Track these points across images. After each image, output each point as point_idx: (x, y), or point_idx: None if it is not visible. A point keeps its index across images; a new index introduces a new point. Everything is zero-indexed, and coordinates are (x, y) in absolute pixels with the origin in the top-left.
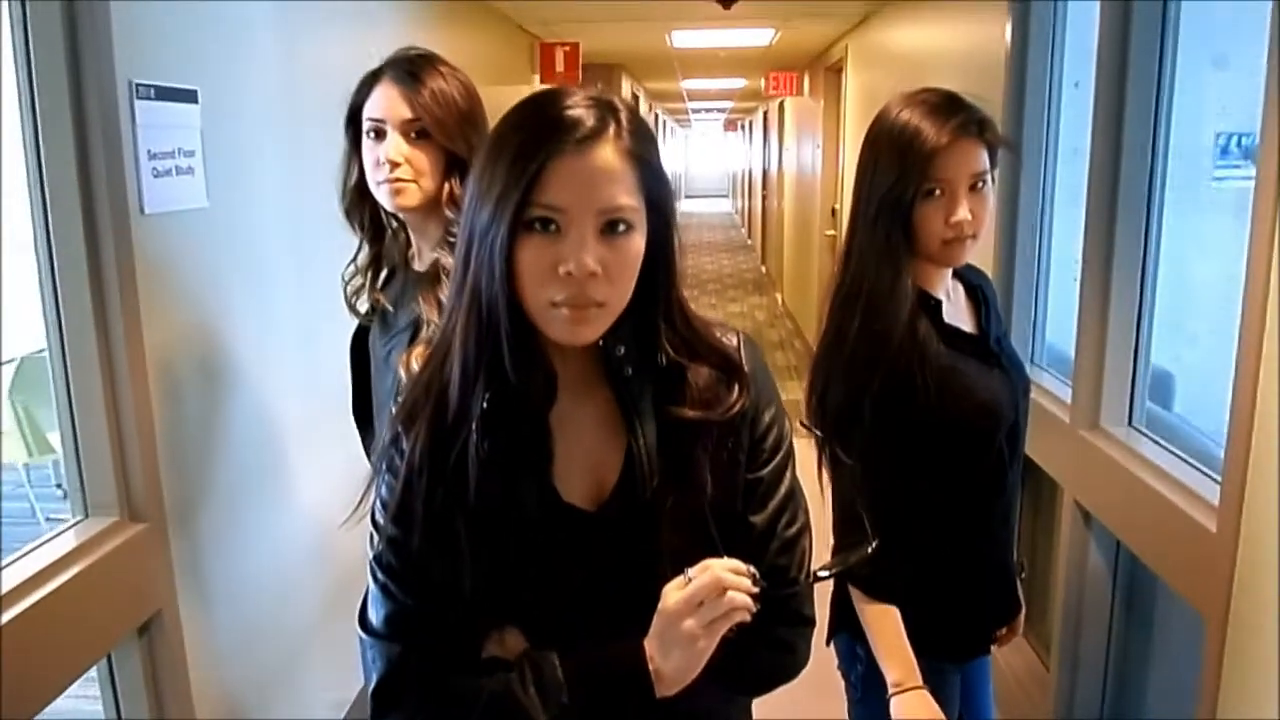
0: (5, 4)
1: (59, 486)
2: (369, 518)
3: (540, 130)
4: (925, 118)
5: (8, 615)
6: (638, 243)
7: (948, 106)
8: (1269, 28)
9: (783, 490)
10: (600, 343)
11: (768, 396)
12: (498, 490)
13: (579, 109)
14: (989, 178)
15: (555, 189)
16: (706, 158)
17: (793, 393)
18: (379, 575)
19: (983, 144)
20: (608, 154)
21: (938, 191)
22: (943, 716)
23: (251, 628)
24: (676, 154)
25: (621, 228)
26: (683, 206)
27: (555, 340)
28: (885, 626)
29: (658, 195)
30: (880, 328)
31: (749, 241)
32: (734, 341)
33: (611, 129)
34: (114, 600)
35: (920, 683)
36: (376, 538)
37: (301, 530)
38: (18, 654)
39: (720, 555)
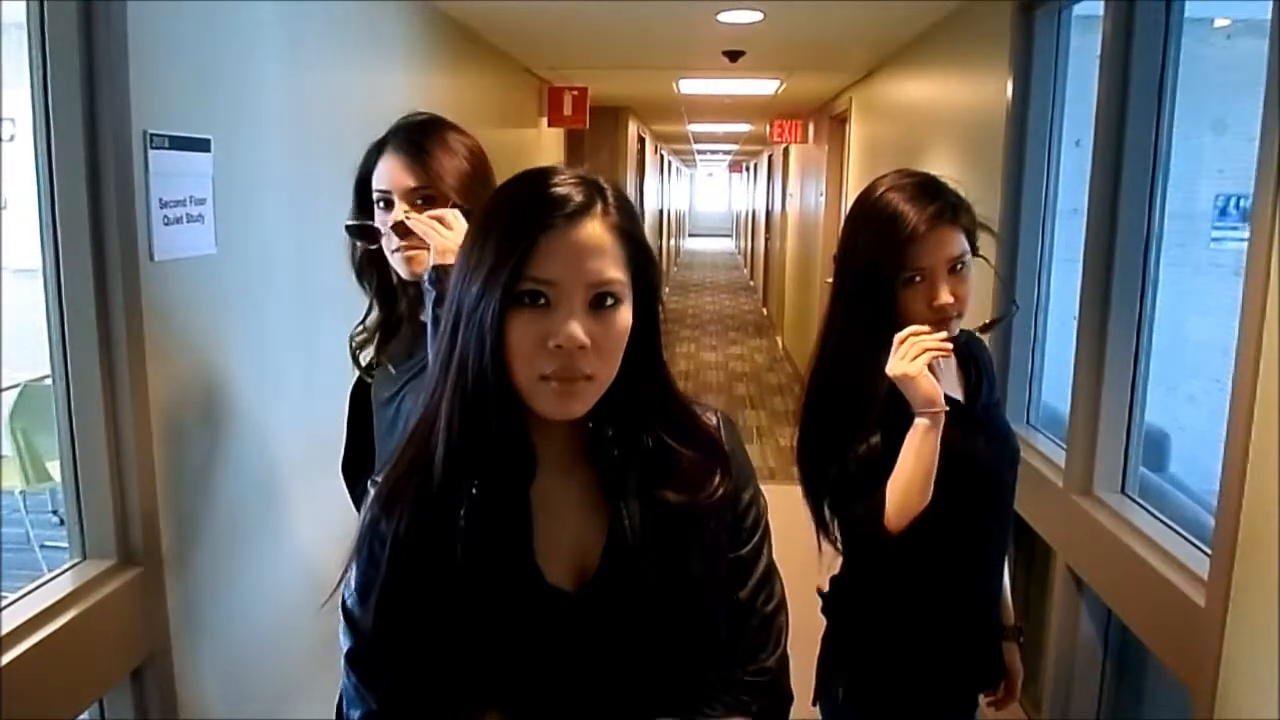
0: (27, 54)
1: (55, 513)
2: (340, 608)
3: (529, 207)
4: (904, 203)
5: (3, 660)
6: (625, 316)
7: (925, 193)
8: (1265, 91)
9: (761, 568)
10: (589, 424)
11: (746, 476)
12: (480, 571)
13: (566, 186)
14: (967, 259)
15: (545, 263)
16: (711, 198)
17: (790, 438)
18: (355, 672)
19: (959, 228)
20: (595, 229)
21: (918, 278)
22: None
23: (244, 672)
24: (682, 193)
25: (610, 301)
26: (686, 245)
27: (544, 415)
28: (895, 484)
29: (643, 270)
30: (856, 406)
31: (751, 282)
32: (714, 421)
33: (599, 205)
34: (109, 645)
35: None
36: (351, 629)
37: (296, 575)
38: (12, 700)
39: (704, 635)
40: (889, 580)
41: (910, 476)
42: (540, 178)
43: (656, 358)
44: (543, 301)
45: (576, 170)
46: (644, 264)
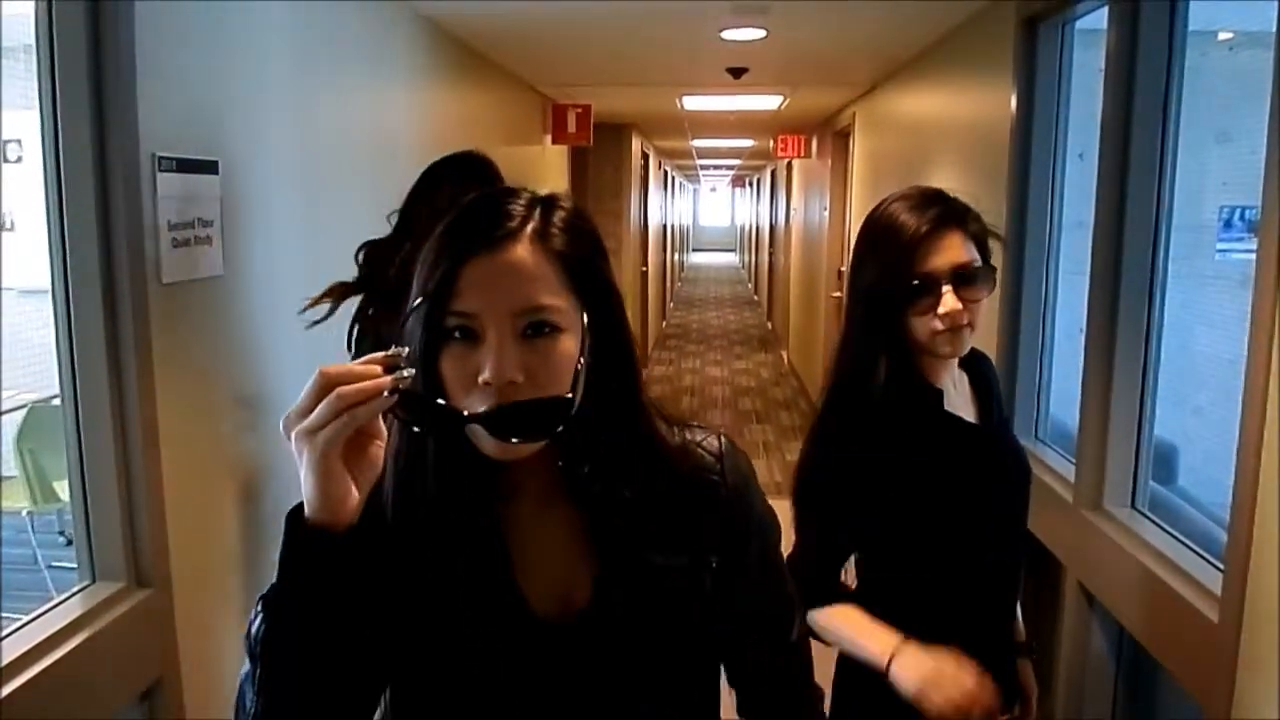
0: (38, 78)
1: (62, 534)
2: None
3: (454, 234)
4: (905, 211)
5: (14, 684)
6: (566, 345)
7: (927, 200)
8: (1270, 103)
9: (774, 601)
10: (560, 463)
11: (750, 505)
12: (456, 596)
13: (500, 208)
14: (976, 266)
15: (467, 293)
16: (715, 212)
17: (797, 452)
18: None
19: (965, 234)
20: (522, 252)
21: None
22: (940, 662)
23: None
24: (685, 208)
25: (546, 329)
26: (690, 259)
27: (488, 455)
28: (847, 618)
29: (595, 295)
30: (871, 434)
31: (755, 297)
32: (716, 447)
33: (531, 226)
34: (118, 667)
35: (904, 640)
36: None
37: None
38: None
39: (702, 678)
40: (903, 600)
41: (842, 638)
42: (474, 203)
43: (632, 401)
44: (473, 335)
45: (527, 191)
46: (594, 286)
